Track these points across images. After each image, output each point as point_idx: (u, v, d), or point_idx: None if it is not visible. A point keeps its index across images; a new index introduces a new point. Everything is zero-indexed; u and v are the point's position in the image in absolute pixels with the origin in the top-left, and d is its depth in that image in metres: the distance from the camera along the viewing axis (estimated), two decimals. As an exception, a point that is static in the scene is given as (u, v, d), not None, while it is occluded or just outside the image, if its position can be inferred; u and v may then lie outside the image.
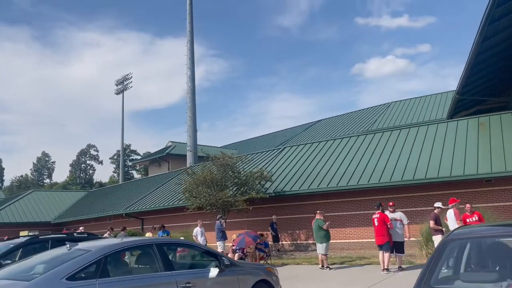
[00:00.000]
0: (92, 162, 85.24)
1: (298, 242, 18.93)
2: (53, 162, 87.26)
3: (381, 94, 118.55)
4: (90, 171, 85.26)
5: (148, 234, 17.26)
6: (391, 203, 12.10)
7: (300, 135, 37.61)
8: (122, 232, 16.38)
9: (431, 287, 2.67)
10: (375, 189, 16.59)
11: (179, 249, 7.05)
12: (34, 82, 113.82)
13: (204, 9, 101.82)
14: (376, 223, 11.42)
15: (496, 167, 14.16)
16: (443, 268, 3.00)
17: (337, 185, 17.26)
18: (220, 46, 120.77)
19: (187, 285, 5.49)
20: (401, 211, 12.36)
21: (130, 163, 77.52)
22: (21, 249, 8.57)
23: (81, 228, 20.71)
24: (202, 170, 19.20)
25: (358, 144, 20.37)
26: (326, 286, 10.30)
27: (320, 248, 12.75)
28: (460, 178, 14.66)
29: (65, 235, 9.91)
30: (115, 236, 15.53)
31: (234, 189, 18.41)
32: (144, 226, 25.98)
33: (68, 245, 5.43)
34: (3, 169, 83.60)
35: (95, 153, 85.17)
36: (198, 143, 34.19)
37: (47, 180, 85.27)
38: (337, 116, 40.66)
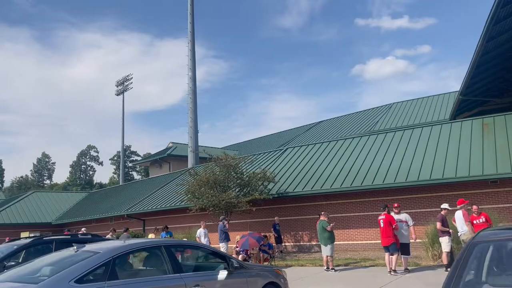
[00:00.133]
0: (92, 163, 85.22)
1: (301, 243, 18.81)
2: (53, 163, 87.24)
3: (381, 95, 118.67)
4: (90, 172, 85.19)
5: (151, 235, 17.15)
6: (396, 204, 12.04)
7: (302, 136, 37.50)
8: (125, 233, 16.24)
9: None
10: (379, 191, 16.49)
11: (187, 250, 6.93)
12: (35, 83, 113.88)
13: (204, 10, 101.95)
14: (381, 225, 11.32)
15: (501, 168, 14.05)
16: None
17: (340, 186, 17.14)
18: (220, 47, 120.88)
19: (196, 287, 5.39)
20: (406, 213, 12.29)
21: (130, 164, 77.42)
22: (24, 250, 8.44)
23: (83, 229, 20.57)
24: (205, 171, 19.09)
25: (361, 145, 20.28)
26: (333, 288, 10.20)
27: (325, 250, 12.63)
28: (466, 179, 14.56)
29: (69, 237, 9.76)
30: (117, 237, 15.41)
31: (237, 190, 18.30)
32: (145, 227, 25.86)
33: (75, 247, 5.33)
34: (3, 170, 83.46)
35: (95, 154, 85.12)
36: (198, 144, 34.10)
37: (47, 181, 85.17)
38: (338, 117, 40.56)
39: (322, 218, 13.04)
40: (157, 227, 18.31)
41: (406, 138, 19.21)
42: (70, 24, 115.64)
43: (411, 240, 11.62)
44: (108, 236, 15.78)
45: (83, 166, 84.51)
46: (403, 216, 11.77)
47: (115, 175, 79.25)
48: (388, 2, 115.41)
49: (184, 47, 35.10)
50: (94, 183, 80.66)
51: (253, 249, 14.48)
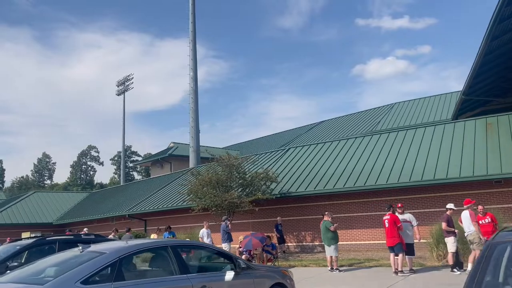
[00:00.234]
0: (93, 163, 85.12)
1: (304, 243, 18.73)
2: (54, 163, 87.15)
3: (382, 95, 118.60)
4: (91, 172, 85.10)
5: (153, 236, 17.06)
6: (399, 205, 11.99)
7: (304, 136, 37.41)
8: (127, 233, 16.17)
9: None
10: (383, 190, 16.41)
11: (193, 251, 6.85)
12: (35, 83, 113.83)
13: (205, 10, 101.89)
14: (386, 225, 11.24)
15: (506, 168, 13.96)
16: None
17: (343, 186, 17.06)
18: (221, 47, 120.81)
19: (203, 288, 5.31)
20: (409, 213, 12.22)
21: (131, 164, 77.35)
22: (27, 251, 8.36)
23: (85, 229, 20.48)
24: (208, 171, 19.02)
25: (364, 145, 20.19)
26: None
27: (329, 250, 12.55)
28: (470, 179, 14.48)
29: (72, 237, 9.69)
30: (120, 237, 15.33)
31: (240, 190, 18.23)
32: (147, 228, 25.79)
33: (80, 247, 5.25)
34: (4, 170, 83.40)
35: (95, 154, 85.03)
36: (200, 144, 34.02)
37: (48, 181, 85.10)
38: (340, 117, 40.47)
39: (325, 218, 12.96)
40: (160, 227, 18.22)
41: (409, 138, 19.13)
42: (70, 24, 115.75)
43: (415, 241, 11.56)
44: (111, 236, 15.71)
45: (83, 166, 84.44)
46: (407, 216, 11.72)
47: (116, 175, 79.19)
48: (388, 2, 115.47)
49: (185, 47, 35.11)
50: (95, 183, 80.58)
51: (256, 249, 14.39)
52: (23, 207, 35.57)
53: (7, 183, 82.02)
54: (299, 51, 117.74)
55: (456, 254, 10.81)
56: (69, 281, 4.45)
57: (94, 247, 5.29)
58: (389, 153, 18.26)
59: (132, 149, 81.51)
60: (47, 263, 5.23)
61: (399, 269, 10.91)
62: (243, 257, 13.61)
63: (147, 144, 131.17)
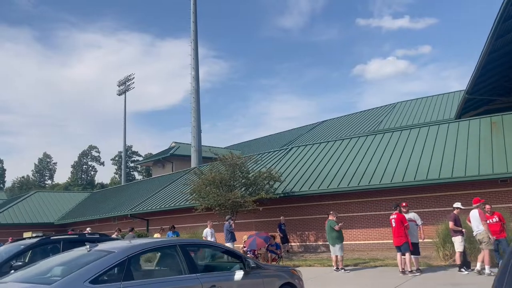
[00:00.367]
0: (94, 163, 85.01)
1: (308, 243, 18.63)
2: (55, 163, 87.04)
3: (382, 95, 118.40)
4: (92, 172, 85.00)
5: (157, 235, 16.96)
6: (404, 204, 11.85)
7: (305, 136, 37.31)
8: (130, 233, 16.07)
9: None
10: (387, 190, 16.31)
11: (202, 250, 6.75)
12: (35, 83, 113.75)
13: (205, 10, 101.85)
14: (393, 224, 11.15)
15: (512, 167, 13.87)
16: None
17: (348, 185, 16.96)
18: (221, 47, 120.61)
19: (213, 288, 5.21)
20: (414, 212, 12.12)
21: (132, 164, 77.28)
22: (31, 250, 8.27)
23: (88, 229, 20.42)
24: (211, 170, 18.93)
25: (368, 144, 20.09)
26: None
27: (334, 249, 12.44)
28: (475, 178, 14.39)
29: (76, 236, 9.57)
30: (123, 237, 15.23)
31: (243, 189, 18.14)
32: (149, 227, 25.71)
33: (87, 246, 5.14)
34: (5, 170, 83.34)
35: (96, 154, 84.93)
36: (201, 144, 33.95)
37: (49, 181, 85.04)
38: (341, 116, 40.39)
39: (330, 217, 12.86)
40: (163, 226, 18.14)
41: (413, 137, 19.03)
42: (70, 24, 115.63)
43: (419, 240, 11.47)
44: (114, 235, 15.59)
45: (84, 166, 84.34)
46: (412, 215, 11.65)
47: (117, 176, 79.06)
48: (389, 2, 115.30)
49: (185, 47, 35.07)
50: (96, 183, 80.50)
51: (260, 249, 14.31)
52: (24, 207, 35.52)
53: (8, 183, 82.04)
54: (299, 51, 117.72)
55: (463, 254, 10.71)
56: (78, 280, 4.35)
57: (102, 246, 5.19)
58: (393, 152, 18.16)
59: (133, 149, 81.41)
60: (53, 262, 5.14)
61: (406, 268, 10.81)
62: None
63: (148, 144, 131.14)
